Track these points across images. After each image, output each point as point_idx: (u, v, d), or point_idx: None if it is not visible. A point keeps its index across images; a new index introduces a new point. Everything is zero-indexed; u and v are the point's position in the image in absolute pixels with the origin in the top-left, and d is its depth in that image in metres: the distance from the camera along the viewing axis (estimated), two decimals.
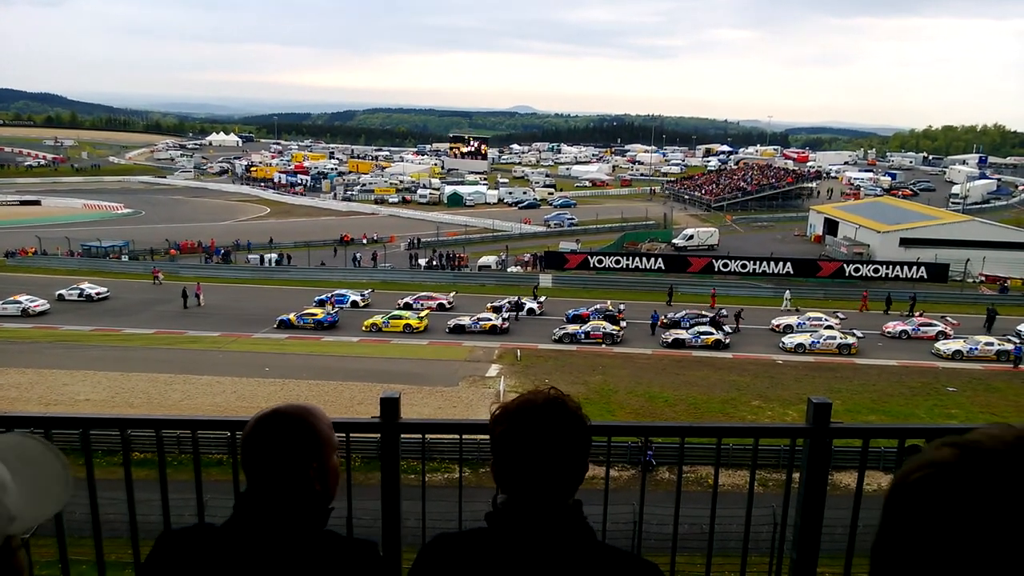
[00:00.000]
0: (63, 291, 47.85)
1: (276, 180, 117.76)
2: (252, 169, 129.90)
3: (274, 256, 61.81)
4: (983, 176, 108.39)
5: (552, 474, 1.76)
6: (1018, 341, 39.57)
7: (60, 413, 5.94)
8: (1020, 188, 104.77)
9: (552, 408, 1.80)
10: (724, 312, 43.93)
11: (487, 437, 1.86)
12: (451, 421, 2.98)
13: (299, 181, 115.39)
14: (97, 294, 48.16)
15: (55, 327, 42.11)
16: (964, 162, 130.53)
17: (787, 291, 48.18)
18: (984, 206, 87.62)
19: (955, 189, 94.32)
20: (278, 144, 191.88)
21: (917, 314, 44.44)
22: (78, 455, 2.73)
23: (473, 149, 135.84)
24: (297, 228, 77.53)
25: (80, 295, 47.71)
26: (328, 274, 56.14)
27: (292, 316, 42.61)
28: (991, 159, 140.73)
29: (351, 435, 2.88)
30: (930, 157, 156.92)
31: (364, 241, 69.88)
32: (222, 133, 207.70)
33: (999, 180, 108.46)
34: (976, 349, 37.96)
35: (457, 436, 3.03)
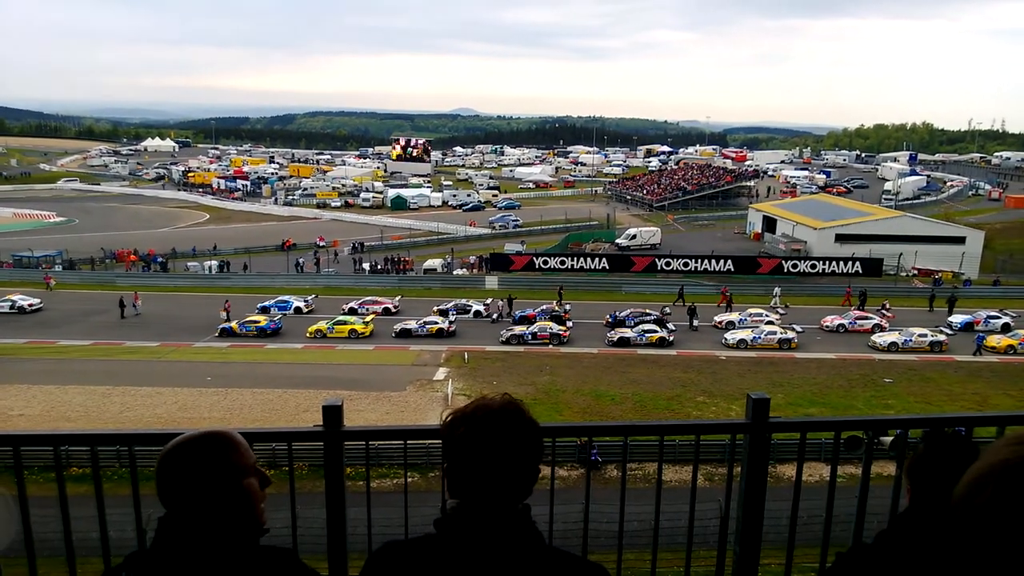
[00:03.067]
0: None
1: (215, 186, 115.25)
2: (190, 175, 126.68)
3: (214, 263, 60.44)
4: (913, 173, 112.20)
5: (507, 479, 1.78)
6: (951, 332, 41.17)
7: None
8: (948, 184, 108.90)
9: (510, 412, 1.81)
10: (668, 310, 44.59)
11: (435, 442, 1.86)
12: (395, 428, 2.98)
13: (239, 186, 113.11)
14: (30, 305, 46.45)
15: None
16: (895, 159, 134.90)
17: (776, 288, 49.11)
18: (915, 202, 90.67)
19: (887, 186, 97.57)
20: (216, 149, 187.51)
21: (880, 307, 45.78)
22: (10, 474, 2.65)
23: (416, 152, 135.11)
24: (237, 234, 75.94)
25: (11, 307, 45.94)
26: (270, 280, 55.12)
27: (234, 324, 41.80)
28: (920, 156, 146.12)
29: (294, 444, 2.85)
30: (863, 155, 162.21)
31: (321, 244, 68.45)
32: (158, 138, 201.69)
33: (928, 176, 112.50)
34: (911, 340, 39.07)
35: (401, 442, 3.02)
